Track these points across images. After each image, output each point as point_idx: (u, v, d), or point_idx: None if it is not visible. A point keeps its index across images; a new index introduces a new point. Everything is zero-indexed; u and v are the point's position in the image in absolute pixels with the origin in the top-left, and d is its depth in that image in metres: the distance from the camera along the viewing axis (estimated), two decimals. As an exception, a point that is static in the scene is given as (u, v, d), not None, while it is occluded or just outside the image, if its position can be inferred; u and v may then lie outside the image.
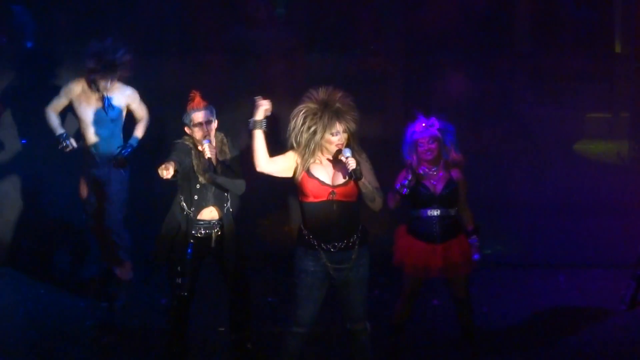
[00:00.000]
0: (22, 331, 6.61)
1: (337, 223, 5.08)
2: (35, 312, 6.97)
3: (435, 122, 5.78)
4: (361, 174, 4.99)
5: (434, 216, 5.79)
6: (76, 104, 7.05)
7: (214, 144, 5.74)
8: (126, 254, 7.19)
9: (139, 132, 7.17)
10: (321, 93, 5.07)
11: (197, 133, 5.74)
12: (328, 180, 5.10)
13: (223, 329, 6.43)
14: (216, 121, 5.82)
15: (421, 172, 5.80)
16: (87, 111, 7.01)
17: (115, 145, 7.06)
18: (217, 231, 5.84)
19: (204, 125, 5.73)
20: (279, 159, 5.16)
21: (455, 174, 5.85)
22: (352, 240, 5.13)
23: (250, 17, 8.14)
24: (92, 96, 7.00)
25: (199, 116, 5.75)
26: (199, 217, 5.82)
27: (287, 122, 5.16)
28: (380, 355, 5.89)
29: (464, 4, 8.08)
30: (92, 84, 6.93)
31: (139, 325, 6.74)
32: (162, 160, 5.51)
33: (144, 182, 7.99)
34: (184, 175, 5.72)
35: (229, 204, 5.88)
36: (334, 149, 5.08)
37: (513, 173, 8.08)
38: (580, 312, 6.89)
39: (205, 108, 5.78)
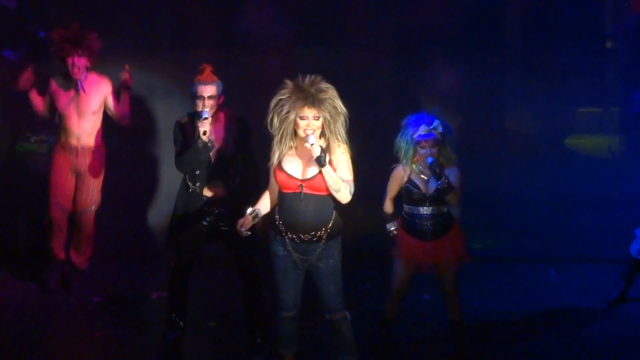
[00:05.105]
0: (12, 326, 6.62)
1: (304, 215, 5.12)
2: (26, 306, 6.97)
3: (438, 124, 5.72)
4: (325, 162, 4.98)
5: (425, 214, 5.79)
6: (54, 98, 7.04)
7: (210, 118, 5.78)
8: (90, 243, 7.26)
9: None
10: (300, 80, 5.08)
11: (198, 105, 5.83)
12: (298, 174, 5.12)
13: (213, 324, 6.47)
14: (222, 97, 5.90)
15: (415, 170, 5.80)
16: (66, 104, 7.00)
17: (95, 137, 7.06)
18: (224, 210, 5.88)
19: (205, 100, 5.81)
20: (272, 184, 5.24)
21: (448, 171, 5.80)
22: (319, 234, 5.16)
23: (242, 11, 8.14)
24: (69, 88, 6.98)
25: (203, 89, 5.83)
26: (204, 193, 5.89)
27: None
28: (370, 349, 5.92)
29: (454, -1, 8.10)
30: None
31: (132, 319, 6.75)
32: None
33: (138, 177, 8.02)
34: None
35: (236, 182, 5.92)
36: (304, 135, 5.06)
37: (503, 168, 8.09)
38: (570, 307, 6.91)
39: (213, 83, 5.86)
